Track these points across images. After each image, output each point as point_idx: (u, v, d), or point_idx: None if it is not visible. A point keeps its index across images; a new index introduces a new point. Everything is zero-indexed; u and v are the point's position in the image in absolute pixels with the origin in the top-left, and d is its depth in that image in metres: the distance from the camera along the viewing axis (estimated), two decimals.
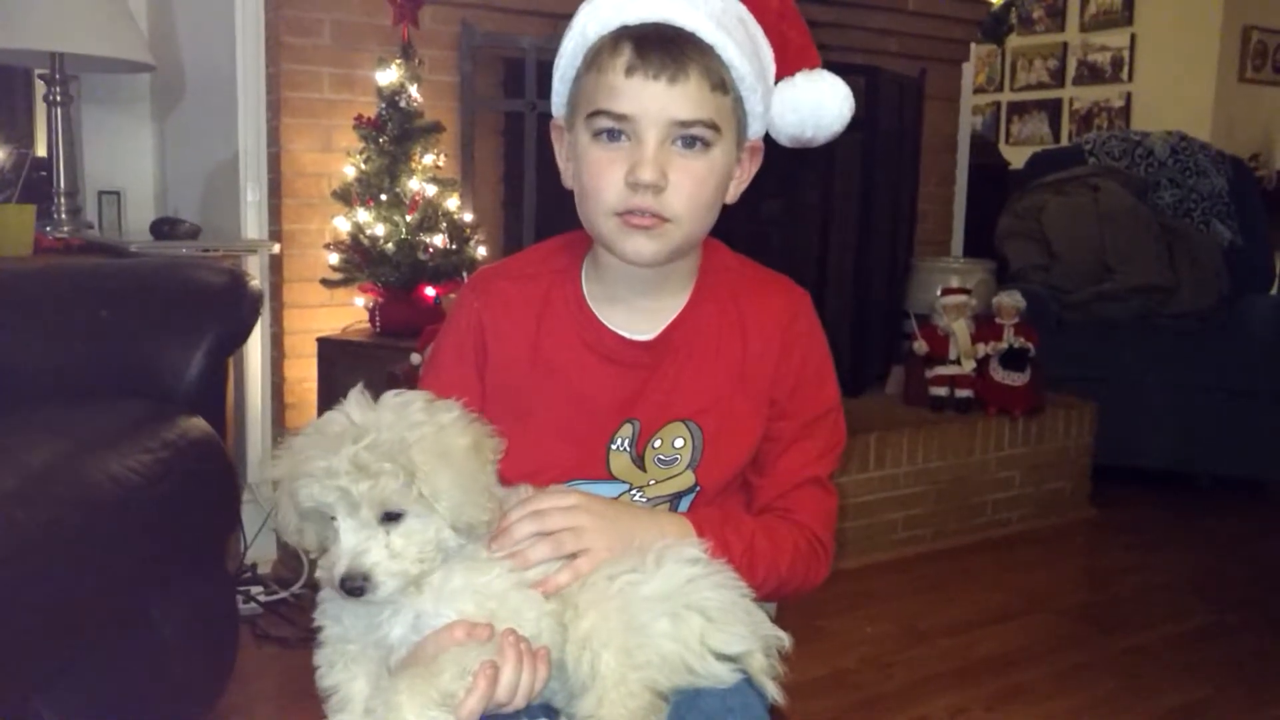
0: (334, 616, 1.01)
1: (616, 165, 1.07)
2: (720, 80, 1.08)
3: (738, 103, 1.11)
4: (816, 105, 1.17)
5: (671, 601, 1.00)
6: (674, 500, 1.19)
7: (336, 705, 0.99)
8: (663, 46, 1.05)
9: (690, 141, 1.07)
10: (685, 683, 1.00)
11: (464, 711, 0.93)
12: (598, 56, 1.08)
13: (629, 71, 1.05)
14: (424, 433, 0.97)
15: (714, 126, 1.08)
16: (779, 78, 1.17)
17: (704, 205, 1.11)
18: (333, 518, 0.96)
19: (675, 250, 1.11)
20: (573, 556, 1.05)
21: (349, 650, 1.00)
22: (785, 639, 1.05)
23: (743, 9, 1.12)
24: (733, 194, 1.17)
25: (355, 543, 0.95)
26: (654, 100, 1.05)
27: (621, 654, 0.98)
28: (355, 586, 0.94)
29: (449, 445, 0.98)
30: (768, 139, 1.19)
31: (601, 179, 1.08)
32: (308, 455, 0.96)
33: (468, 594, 0.99)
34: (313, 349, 2.77)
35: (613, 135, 1.07)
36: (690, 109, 1.06)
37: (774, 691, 1.03)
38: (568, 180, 1.16)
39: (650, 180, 1.05)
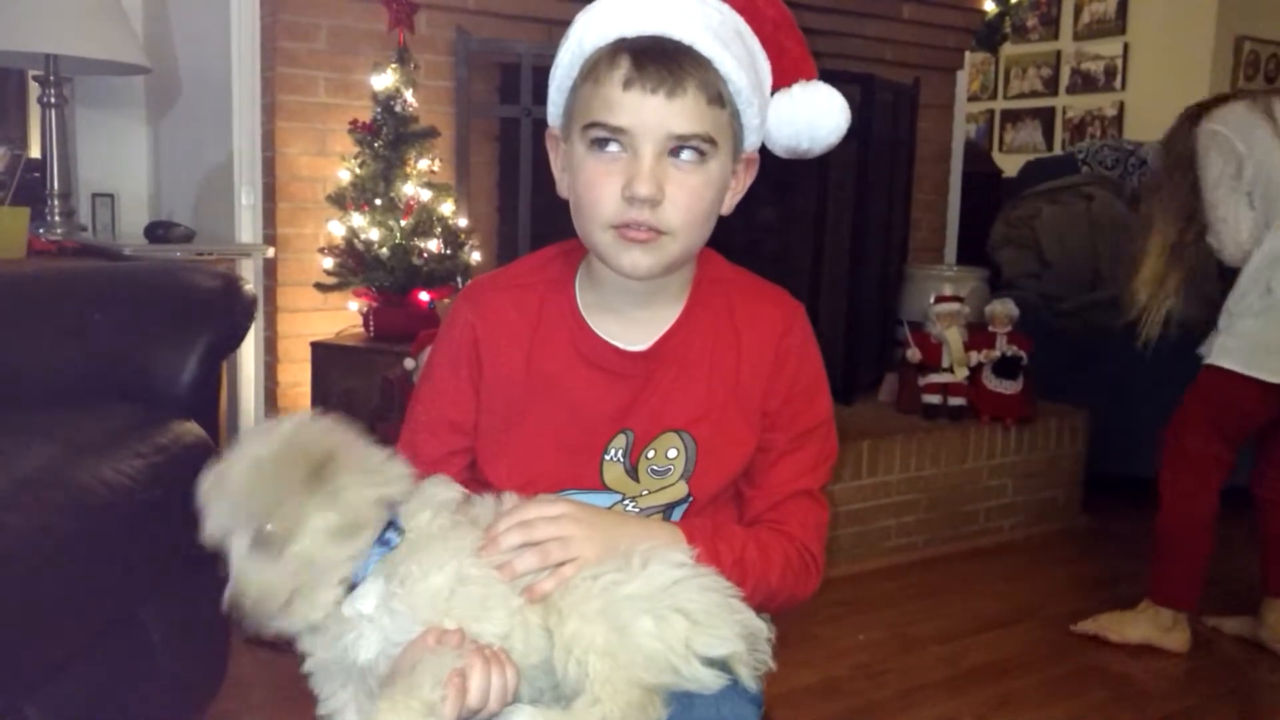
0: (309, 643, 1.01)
1: (613, 178, 1.06)
2: (717, 94, 1.07)
3: (734, 116, 1.11)
4: (813, 117, 1.17)
5: (655, 602, 1.00)
6: (666, 511, 1.19)
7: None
8: (661, 60, 1.05)
9: (687, 155, 1.07)
10: (670, 682, 1.00)
11: None
12: (595, 68, 1.08)
13: (626, 84, 1.05)
14: None
15: (711, 140, 1.07)
16: (775, 89, 1.16)
17: (700, 218, 1.10)
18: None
19: (671, 264, 1.11)
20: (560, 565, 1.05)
21: (332, 670, 1.00)
22: (769, 629, 1.06)
23: (740, 21, 1.12)
24: (728, 206, 1.16)
25: None
26: (652, 114, 1.05)
27: (605, 656, 0.98)
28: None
29: None
30: (763, 149, 1.20)
31: (598, 191, 1.07)
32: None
33: (423, 604, 0.98)
34: (306, 353, 2.77)
35: (609, 147, 1.07)
36: (687, 123, 1.05)
37: (747, 676, 1.03)
38: (563, 190, 1.16)
39: (647, 194, 1.05)
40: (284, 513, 0.94)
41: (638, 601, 1.00)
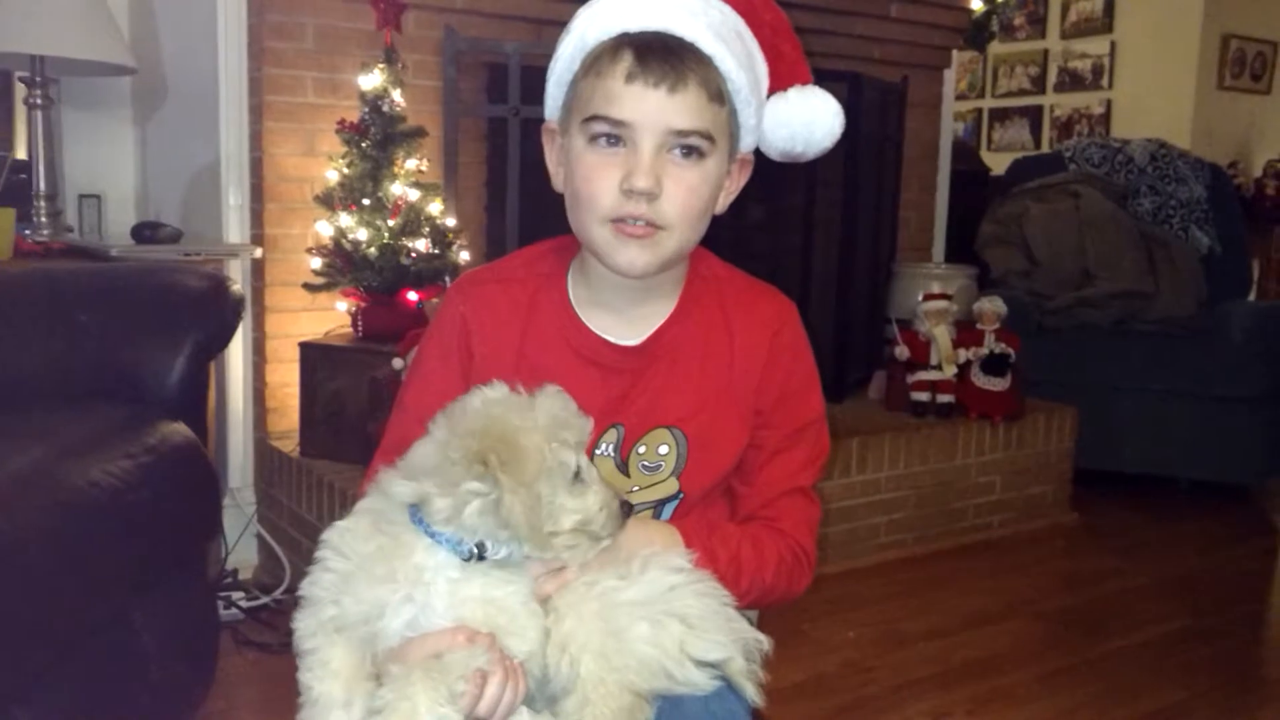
0: (333, 596, 0.99)
1: (611, 171, 1.07)
2: (718, 91, 1.08)
3: (733, 115, 1.12)
4: (808, 121, 1.18)
5: (652, 607, 1.01)
6: (657, 506, 1.19)
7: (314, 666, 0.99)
8: (663, 55, 1.06)
9: (686, 151, 1.08)
10: (663, 687, 1.00)
11: None
12: (597, 62, 1.08)
13: (629, 78, 1.06)
14: None
15: (709, 137, 1.08)
16: (771, 92, 1.17)
17: (696, 214, 1.11)
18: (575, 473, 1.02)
19: (667, 260, 1.12)
20: None
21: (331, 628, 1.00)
22: (765, 642, 1.06)
23: (740, 22, 1.13)
24: (721, 205, 1.17)
25: None
26: (653, 108, 1.06)
27: (600, 658, 0.98)
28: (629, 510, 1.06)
29: None
30: (755, 153, 1.20)
31: (596, 185, 1.08)
32: (560, 410, 1.04)
33: (480, 603, 0.98)
34: (294, 354, 2.76)
35: (610, 140, 1.07)
36: (688, 119, 1.06)
37: (753, 693, 1.03)
38: (558, 184, 1.17)
39: (645, 188, 1.06)
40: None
41: (635, 607, 1.00)
